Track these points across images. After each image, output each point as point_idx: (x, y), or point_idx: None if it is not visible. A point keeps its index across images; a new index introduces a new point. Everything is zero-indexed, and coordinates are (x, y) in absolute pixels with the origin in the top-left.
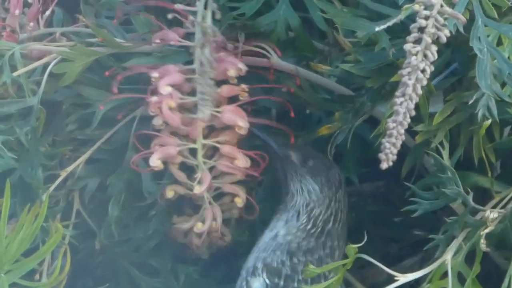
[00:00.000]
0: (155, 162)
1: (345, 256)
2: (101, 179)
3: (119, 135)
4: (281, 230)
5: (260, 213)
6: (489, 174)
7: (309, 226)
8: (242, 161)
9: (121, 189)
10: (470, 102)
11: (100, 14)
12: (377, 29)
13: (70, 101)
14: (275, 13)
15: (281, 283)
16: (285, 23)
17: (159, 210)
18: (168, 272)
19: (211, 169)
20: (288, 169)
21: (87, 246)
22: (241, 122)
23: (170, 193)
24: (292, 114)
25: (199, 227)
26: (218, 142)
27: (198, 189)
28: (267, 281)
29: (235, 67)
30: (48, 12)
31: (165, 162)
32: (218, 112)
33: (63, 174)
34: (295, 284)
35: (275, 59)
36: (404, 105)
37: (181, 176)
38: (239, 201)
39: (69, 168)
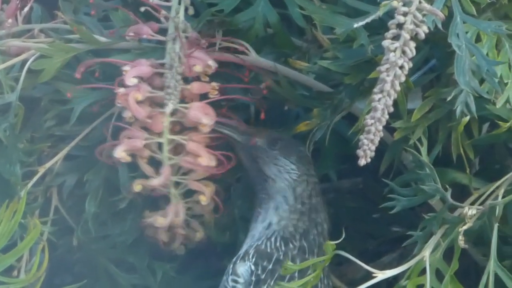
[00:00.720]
0: (120, 153)
1: (323, 252)
2: (79, 176)
3: (97, 132)
4: (273, 218)
5: (239, 210)
6: (468, 171)
7: (299, 206)
8: (205, 159)
9: (99, 186)
10: (449, 98)
11: (78, 10)
12: (355, 25)
13: (48, 97)
14: (253, 10)
15: (270, 266)
16: (263, 20)
17: (136, 207)
18: (145, 268)
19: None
20: (258, 156)
21: (65, 242)
22: (206, 120)
23: (137, 187)
24: (263, 116)
25: (160, 221)
26: (185, 139)
27: (155, 182)
28: (253, 267)
29: (204, 63)
30: (26, 9)
31: (134, 156)
32: (185, 108)
33: (41, 170)
34: None
35: (254, 56)
36: (382, 102)
37: (148, 170)
38: (204, 199)
39: (47, 165)
